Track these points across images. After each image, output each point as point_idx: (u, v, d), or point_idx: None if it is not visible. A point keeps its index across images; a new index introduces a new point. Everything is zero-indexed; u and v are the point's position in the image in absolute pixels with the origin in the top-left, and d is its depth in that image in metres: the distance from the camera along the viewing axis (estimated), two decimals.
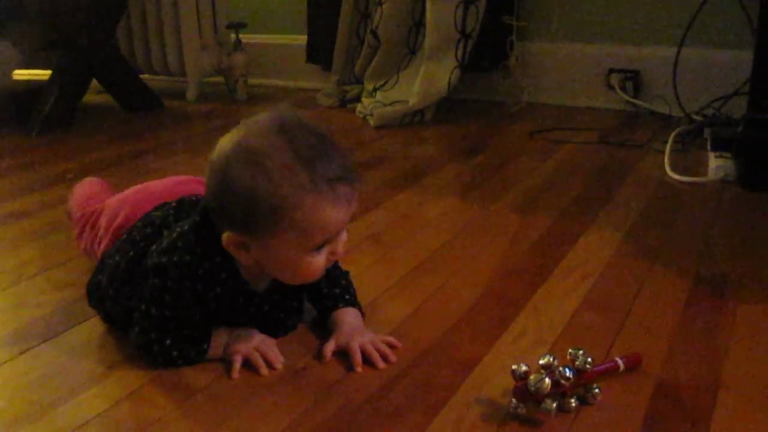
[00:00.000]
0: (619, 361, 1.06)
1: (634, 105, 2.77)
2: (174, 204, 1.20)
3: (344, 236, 1.07)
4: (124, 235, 1.20)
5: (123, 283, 1.14)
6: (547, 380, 0.95)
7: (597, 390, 0.99)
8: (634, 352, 1.09)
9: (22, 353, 1.15)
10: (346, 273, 1.24)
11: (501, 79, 2.93)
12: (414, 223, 1.71)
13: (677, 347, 1.14)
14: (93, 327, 1.23)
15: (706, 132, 2.24)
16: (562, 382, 0.96)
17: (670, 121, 2.53)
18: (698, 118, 2.45)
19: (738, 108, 2.19)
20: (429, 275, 1.41)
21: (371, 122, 2.67)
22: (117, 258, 1.17)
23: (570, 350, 1.00)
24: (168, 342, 1.08)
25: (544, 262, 1.46)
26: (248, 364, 1.09)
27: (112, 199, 1.36)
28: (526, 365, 0.98)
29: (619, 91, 2.77)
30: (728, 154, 1.96)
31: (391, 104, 2.70)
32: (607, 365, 1.05)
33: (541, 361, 0.98)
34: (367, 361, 1.09)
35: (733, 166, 1.92)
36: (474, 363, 1.10)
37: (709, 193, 1.87)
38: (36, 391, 1.06)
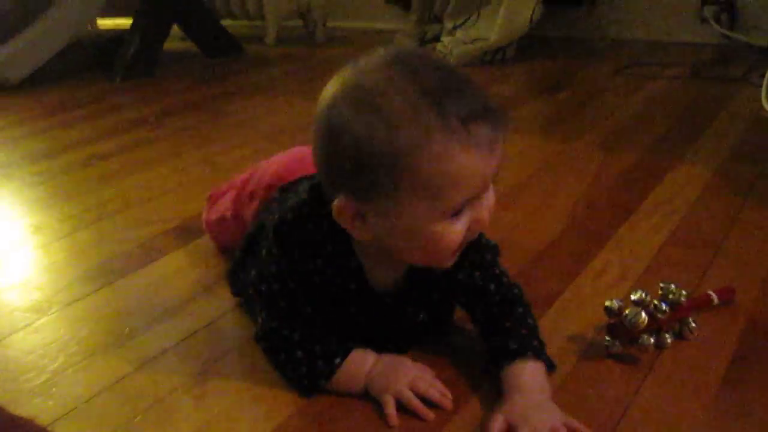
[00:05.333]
0: (713, 295, 1.01)
1: (729, 38, 2.62)
2: None
3: (491, 197, 0.82)
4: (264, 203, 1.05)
5: (247, 253, 1.01)
6: (644, 314, 0.90)
7: (693, 324, 0.95)
8: (727, 285, 1.04)
9: (103, 286, 1.17)
10: (529, 305, 0.94)
11: (586, 13, 2.82)
12: None
13: None
14: (169, 263, 1.24)
15: None
16: (659, 316, 0.92)
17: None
18: None
19: None
20: (510, 210, 1.36)
21: (452, 61, 2.61)
22: (252, 223, 1.04)
23: (661, 284, 0.96)
24: (296, 337, 0.89)
25: (628, 198, 1.40)
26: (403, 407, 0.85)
27: (260, 163, 1.21)
28: (619, 301, 0.93)
29: (713, 23, 2.63)
30: None
31: (471, 42, 2.63)
32: (701, 299, 1.00)
33: (634, 297, 0.93)
34: None
35: None
36: (554, 297, 1.07)
37: None
38: (116, 322, 1.07)
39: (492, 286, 0.93)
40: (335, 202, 0.80)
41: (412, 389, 0.85)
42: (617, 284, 1.09)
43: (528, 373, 0.86)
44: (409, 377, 0.86)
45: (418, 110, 0.74)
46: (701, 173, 1.50)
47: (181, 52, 3.09)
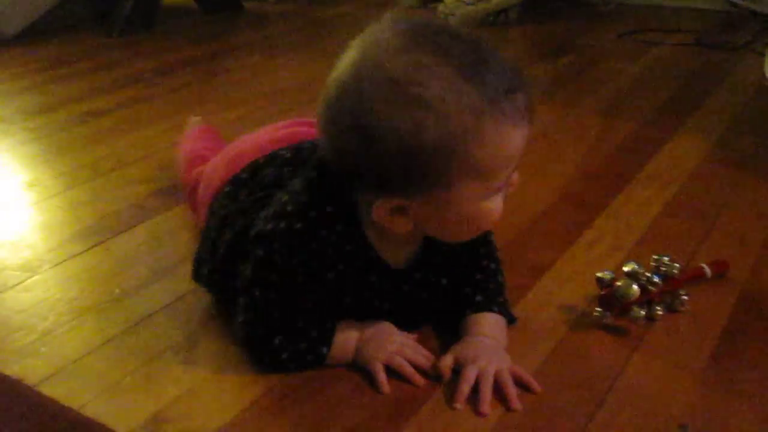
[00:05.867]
0: (706, 268, 1.00)
1: (734, 5, 2.59)
2: (289, 155, 0.95)
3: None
4: (226, 202, 0.96)
5: (230, 260, 0.90)
6: (635, 286, 0.90)
7: (685, 297, 0.94)
8: (721, 258, 1.04)
9: (95, 246, 1.17)
10: (500, 263, 0.96)
11: None
12: None
13: (766, 259, 1.07)
14: (162, 223, 1.24)
15: None
16: (650, 288, 0.91)
17: None
18: None
19: None
20: None
21: (453, 22, 2.58)
22: (225, 230, 0.93)
23: (654, 257, 0.95)
24: (277, 342, 0.85)
25: (625, 168, 1.39)
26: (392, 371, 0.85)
27: (207, 166, 1.12)
28: (611, 272, 0.93)
29: None
30: None
31: (473, 3, 2.60)
32: (693, 271, 1.00)
33: (626, 268, 0.93)
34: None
35: None
36: (546, 267, 1.06)
37: None
38: (106, 283, 1.07)
39: (483, 249, 0.94)
40: (375, 205, 0.77)
41: (399, 355, 0.85)
42: (610, 255, 1.09)
43: (486, 322, 0.89)
44: (396, 344, 0.86)
45: (460, 93, 0.69)
46: (700, 144, 1.49)
47: (180, 7, 3.04)
